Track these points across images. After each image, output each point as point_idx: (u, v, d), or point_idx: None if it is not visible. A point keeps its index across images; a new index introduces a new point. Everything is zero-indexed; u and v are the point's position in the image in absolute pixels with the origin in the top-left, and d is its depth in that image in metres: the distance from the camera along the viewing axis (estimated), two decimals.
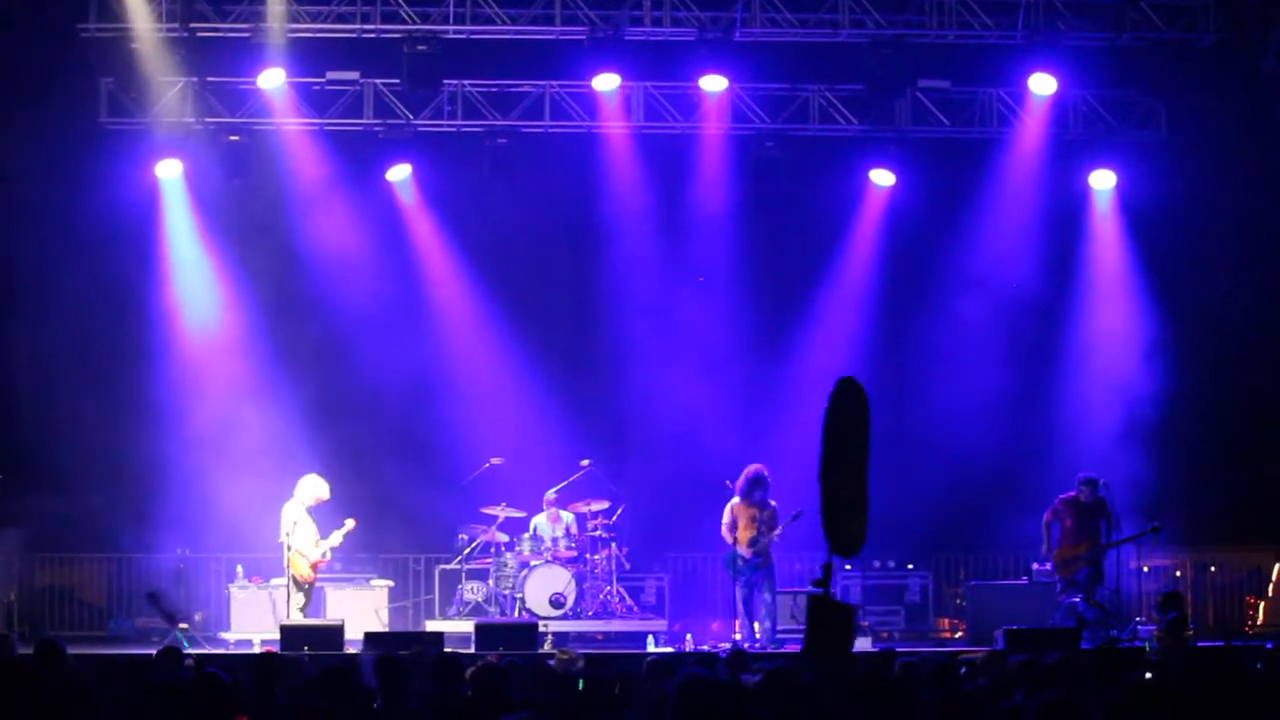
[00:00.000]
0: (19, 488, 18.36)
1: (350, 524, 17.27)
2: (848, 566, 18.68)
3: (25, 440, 18.64)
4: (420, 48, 18.79)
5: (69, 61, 18.76)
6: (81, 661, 10.35)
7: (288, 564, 16.91)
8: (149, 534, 18.91)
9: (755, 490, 16.83)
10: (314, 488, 17.26)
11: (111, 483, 18.78)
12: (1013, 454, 19.41)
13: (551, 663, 12.00)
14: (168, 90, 19.20)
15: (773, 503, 16.98)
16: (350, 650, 15.50)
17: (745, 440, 18.90)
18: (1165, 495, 17.75)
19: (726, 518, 17.00)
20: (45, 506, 18.36)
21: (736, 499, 17.00)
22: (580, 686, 8.85)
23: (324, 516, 17.33)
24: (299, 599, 17.02)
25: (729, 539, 16.95)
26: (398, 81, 19.23)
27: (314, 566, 17.19)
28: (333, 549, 17.34)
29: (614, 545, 18.59)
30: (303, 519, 17.14)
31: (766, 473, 16.79)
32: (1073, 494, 17.42)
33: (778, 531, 16.92)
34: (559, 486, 18.73)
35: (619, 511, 18.75)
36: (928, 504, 19.19)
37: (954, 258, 20.17)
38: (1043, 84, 19.39)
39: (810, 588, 7.44)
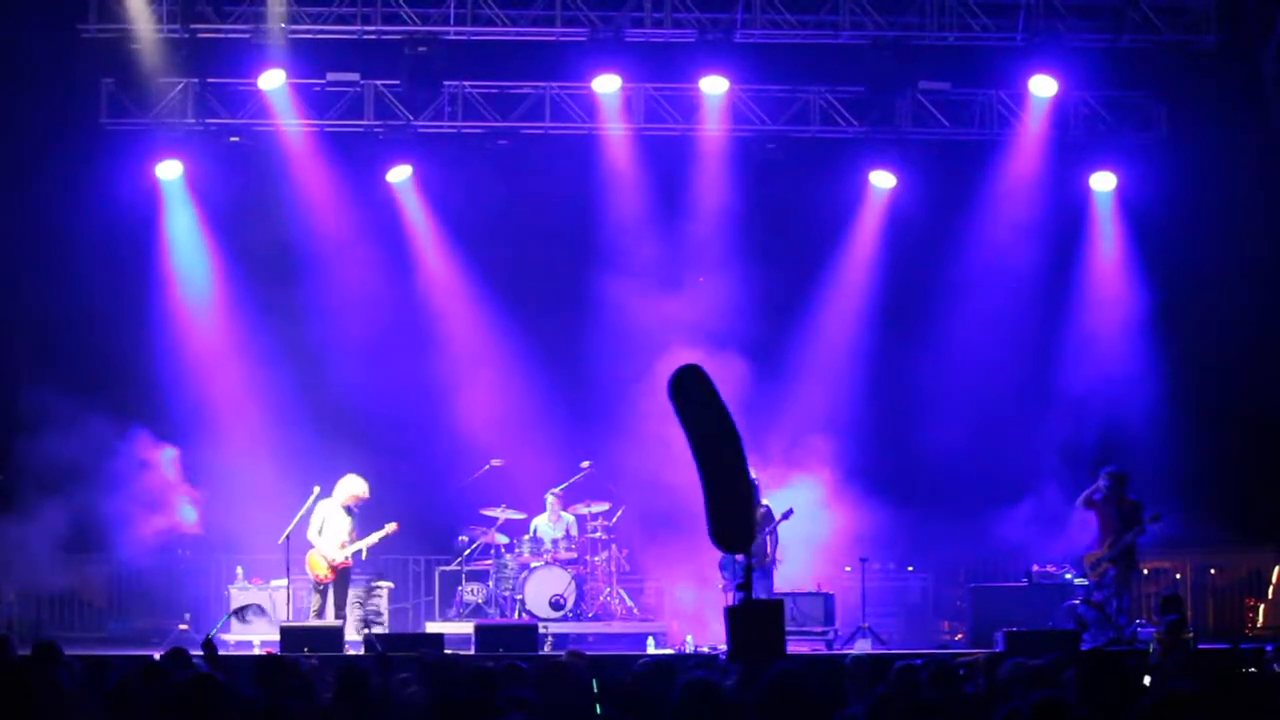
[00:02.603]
0: (19, 488, 18.35)
1: (391, 527, 17.20)
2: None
3: (26, 440, 18.63)
4: (421, 49, 18.83)
5: (69, 61, 18.77)
6: (81, 662, 10.33)
7: (308, 563, 16.99)
8: (149, 534, 18.89)
9: None
10: (351, 487, 17.22)
11: (113, 483, 18.75)
12: (1012, 454, 19.39)
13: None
14: (168, 91, 19.23)
15: (765, 502, 16.95)
16: (350, 651, 15.50)
17: (745, 440, 18.81)
18: (1164, 495, 17.72)
19: None
20: (46, 507, 18.34)
21: None
22: (595, 688, 8.78)
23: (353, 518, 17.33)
24: (315, 600, 17.03)
25: None
26: (398, 83, 19.26)
27: (334, 568, 17.13)
28: (367, 550, 17.23)
29: (614, 547, 18.59)
30: (332, 518, 17.09)
31: (755, 474, 16.72)
32: (1098, 497, 17.36)
33: (769, 532, 16.88)
34: (560, 488, 18.73)
35: (619, 513, 18.75)
36: (927, 505, 19.17)
37: (954, 259, 20.16)
38: (1043, 86, 19.40)
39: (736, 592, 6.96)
